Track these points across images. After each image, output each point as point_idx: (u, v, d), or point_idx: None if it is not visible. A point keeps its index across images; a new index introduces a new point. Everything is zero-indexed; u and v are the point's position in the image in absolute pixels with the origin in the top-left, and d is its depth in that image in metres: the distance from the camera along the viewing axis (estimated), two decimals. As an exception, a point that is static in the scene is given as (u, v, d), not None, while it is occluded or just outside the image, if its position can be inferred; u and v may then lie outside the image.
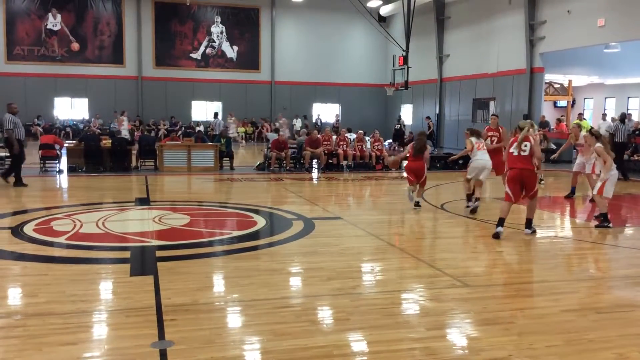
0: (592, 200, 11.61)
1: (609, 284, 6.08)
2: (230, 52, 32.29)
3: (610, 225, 8.89)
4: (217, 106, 31.46)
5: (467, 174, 10.40)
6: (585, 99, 31.14)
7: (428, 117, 28.85)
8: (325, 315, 4.92)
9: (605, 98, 29.69)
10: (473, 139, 10.35)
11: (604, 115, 23.51)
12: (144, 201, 10.81)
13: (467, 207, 10.31)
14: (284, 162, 16.99)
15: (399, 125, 29.77)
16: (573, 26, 20.53)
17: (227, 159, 17.12)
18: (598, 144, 9.16)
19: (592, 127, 13.84)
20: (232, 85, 31.98)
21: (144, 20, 30.69)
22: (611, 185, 9.08)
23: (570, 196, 11.87)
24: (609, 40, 19.89)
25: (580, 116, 23.13)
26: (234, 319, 4.80)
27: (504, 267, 6.77)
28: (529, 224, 8.32)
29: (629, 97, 28.26)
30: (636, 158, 17.74)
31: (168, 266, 6.21)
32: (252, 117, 31.75)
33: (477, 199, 10.12)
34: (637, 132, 18.85)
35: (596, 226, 9.05)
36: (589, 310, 5.00)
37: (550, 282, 6.14)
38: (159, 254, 6.78)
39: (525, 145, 7.99)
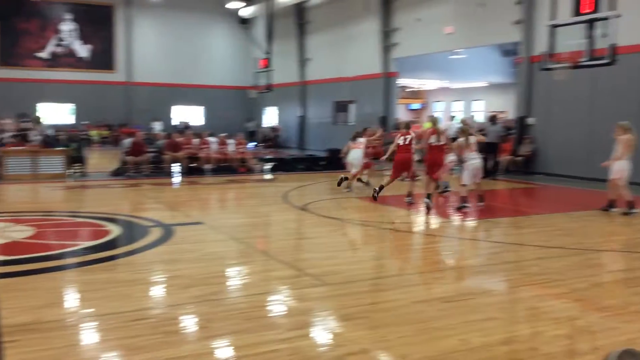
0: (442, 193, 12.43)
1: (455, 275, 6.56)
2: (82, 51, 30.38)
3: (469, 205, 10.16)
4: (69, 108, 29.52)
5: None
6: (435, 102, 33.42)
7: (275, 125, 31.04)
8: (183, 324, 4.77)
9: (453, 101, 32.08)
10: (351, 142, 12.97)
11: (452, 117, 25.33)
12: (-18, 213, 9.79)
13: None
14: (142, 166, 16.25)
15: (254, 126, 30.93)
16: (423, 34, 21.89)
17: (79, 164, 16.04)
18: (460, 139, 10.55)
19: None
20: (85, 86, 30.07)
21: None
22: (468, 174, 10.35)
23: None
24: (456, 47, 21.48)
25: (431, 118, 24.62)
26: (84, 336, 4.49)
27: (360, 264, 6.99)
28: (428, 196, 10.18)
29: (472, 100, 30.77)
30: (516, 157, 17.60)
31: (8, 283, 5.67)
32: (107, 120, 30.13)
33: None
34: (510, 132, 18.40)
35: (457, 208, 10.18)
36: (436, 300, 5.33)
37: (402, 276, 6.49)
38: (-3, 270, 6.18)
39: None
